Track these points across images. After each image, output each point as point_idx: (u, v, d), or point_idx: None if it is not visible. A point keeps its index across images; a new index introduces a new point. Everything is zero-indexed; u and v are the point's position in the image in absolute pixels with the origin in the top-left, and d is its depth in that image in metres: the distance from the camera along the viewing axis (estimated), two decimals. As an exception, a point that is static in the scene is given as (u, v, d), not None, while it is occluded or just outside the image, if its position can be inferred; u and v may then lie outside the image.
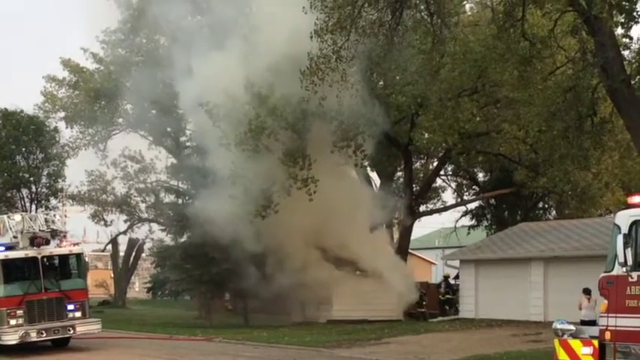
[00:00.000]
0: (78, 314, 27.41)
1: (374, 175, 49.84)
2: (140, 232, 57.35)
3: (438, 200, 54.97)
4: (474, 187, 53.95)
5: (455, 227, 54.96)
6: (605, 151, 36.06)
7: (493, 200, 50.78)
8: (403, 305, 40.16)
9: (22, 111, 51.64)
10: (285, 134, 35.69)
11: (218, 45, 35.92)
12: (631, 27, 25.77)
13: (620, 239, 14.56)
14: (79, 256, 28.22)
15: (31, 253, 26.75)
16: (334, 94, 29.84)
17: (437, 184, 53.13)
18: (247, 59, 35.07)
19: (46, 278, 26.80)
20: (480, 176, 53.20)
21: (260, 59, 34.61)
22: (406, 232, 45.61)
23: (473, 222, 53.99)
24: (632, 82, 26.67)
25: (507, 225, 45.09)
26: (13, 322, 26.15)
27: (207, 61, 35.60)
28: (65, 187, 54.79)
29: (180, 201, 43.22)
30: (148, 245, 59.32)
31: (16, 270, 26.93)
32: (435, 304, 42.55)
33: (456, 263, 40.46)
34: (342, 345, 27.78)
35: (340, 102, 32.83)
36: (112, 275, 69.90)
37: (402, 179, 48.89)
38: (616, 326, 14.81)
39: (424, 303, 41.75)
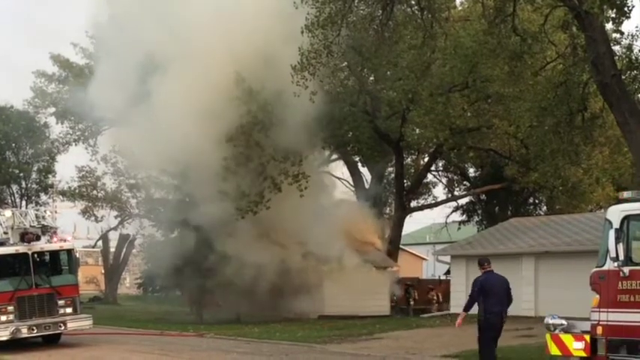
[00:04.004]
0: (69, 310, 27.26)
1: (365, 171, 49.98)
2: (131, 227, 57.31)
3: (429, 196, 55.09)
4: (464, 182, 54.10)
5: (446, 223, 55.09)
6: (596, 146, 36.25)
7: (484, 196, 50.88)
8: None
9: (11, 106, 51.58)
10: (276, 130, 35.70)
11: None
12: (622, 22, 25.87)
13: (611, 234, 14.56)
14: (69, 252, 28.08)
15: (21, 249, 26.60)
16: (325, 89, 29.86)
17: (428, 180, 53.26)
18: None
19: (36, 274, 26.65)
20: (471, 172, 53.35)
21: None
22: (397, 227, 45.64)
23: (464, 217, 54.17)
24: (623, 77, 26.68)
25: (498, 220, 45.20)
26: (3, 318, 26.01)
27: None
28: (55, 183, 54.77)
29: (170, 197, 43.07)
30: (138, 241, 59.22)
31: (6, 266, 26.74)
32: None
33: (447, 259, 40.50)
34: (334, 340, 27.75)
35: (330, 97, 32.87)
36: (103, 271, 69.84)
37: (392, 175, 48.94)
38: (608, 321, 14.82)
39: (410, 298, 41.93)
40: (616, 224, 14.75)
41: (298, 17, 27.63)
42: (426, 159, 49.52)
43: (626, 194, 15.53)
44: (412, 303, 41.64)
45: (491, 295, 17.12)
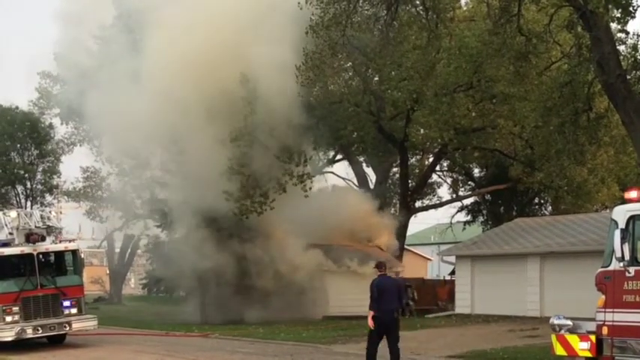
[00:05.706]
0: (74, 311, 27.30)
1: (369, 171, 49.92)
2: (135, 228, 57.27)
3: (434, 196, 55.03)
4: (469, 182, 54.01)
5: (450, 223, 54.98)
6: (601, 146, 36.12)
7: (489, 196, 50.80)
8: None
9: (17, 107, 51.65)
10: (280, 130, 35.70)
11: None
12: (627, 22, 25.86)
13: (617, 234, 14.53)
14: (74, 253, 28.11)
15: (26, 249, 26.64)
16: (330, 89, 29.86)
17: (432, 180, 53.17)
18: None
19: (41, 275, 26.68)
20: (476, 172, 53.27)
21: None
22: (402, 228, 45.58)
23: (468, 218, 54.09)
24: (628, 77, 26.63)
25: (503, 220, 45.12)
26: (8, 318, 26.06)
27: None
28: (60, 184, 54.79)
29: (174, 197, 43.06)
30: (143, 242, 59.25)
31: (11, 266, 26.81)
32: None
33: (452, 259, 40.42)
34: (339, 341, 27.73)
35: (335, 97, 32.83)
36: (108, 272, 69.94)
37: (397, 175, 48.87)
38: (613, 321, 14.79)
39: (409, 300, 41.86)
40: (621, 224, 14.73)
41: (303, 17, 27.64)
42: (431, 159, 49.47)
43: (631, 194, 15.50)
44: (412, 304, 41.53)
45: (385, 295, 19.12)
